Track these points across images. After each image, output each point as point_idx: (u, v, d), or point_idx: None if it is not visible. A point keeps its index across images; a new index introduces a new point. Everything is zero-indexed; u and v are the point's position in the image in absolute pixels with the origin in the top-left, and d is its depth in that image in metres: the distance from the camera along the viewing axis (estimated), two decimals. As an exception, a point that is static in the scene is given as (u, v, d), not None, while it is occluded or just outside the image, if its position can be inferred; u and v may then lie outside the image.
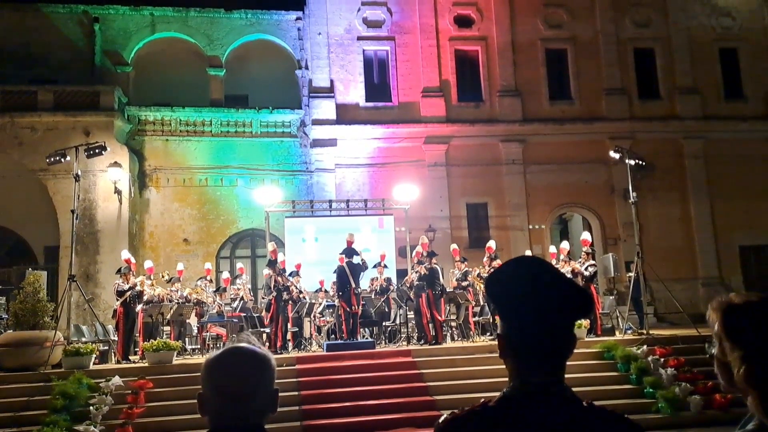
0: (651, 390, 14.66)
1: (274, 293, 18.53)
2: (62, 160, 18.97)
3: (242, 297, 20.08)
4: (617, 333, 19.03)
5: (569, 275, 18.75)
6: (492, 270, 2.07)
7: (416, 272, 19.05)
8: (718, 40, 30.54)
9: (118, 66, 27.66)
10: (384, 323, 20.36)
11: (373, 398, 14.62)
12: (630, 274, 21.41)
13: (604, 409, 2.00)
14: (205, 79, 28.18)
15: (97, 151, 19.17)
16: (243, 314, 19.23)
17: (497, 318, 2.17)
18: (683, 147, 29.15)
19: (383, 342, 19.62)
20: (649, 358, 15.76)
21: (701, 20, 30.48)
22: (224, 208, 26.82)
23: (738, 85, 30.35)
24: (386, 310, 20.61)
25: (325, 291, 21.01)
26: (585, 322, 18.02)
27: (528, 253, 21.97)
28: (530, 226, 27.67)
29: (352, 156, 27.37)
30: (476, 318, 19.45)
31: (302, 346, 19.37)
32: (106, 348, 18.14)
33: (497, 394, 2.01)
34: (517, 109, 28.66)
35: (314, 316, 20.44)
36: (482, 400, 2.00)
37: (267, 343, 18.43)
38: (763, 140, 29.38)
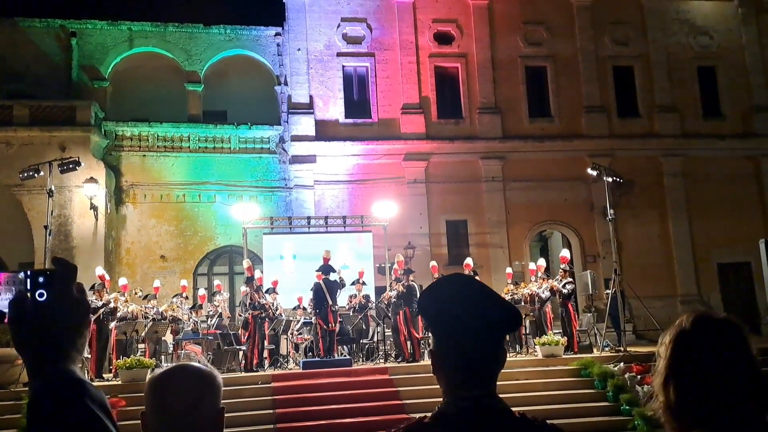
0: (627, 407, 14.70)
1: (251, 311, 18.39)
2: (35, 175, 18.83)
3: (220, 314, 19.92)
4: (595, 350, 19.02)
5: (547, 293, 18.90)
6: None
7: (394, 290, 19.01)
8: (697, 58, 30.75)
9: (95, 81, 27.48)
10: (362, 340, 20.27)
11: (349, 416, 14.61)
12: (608, 291, 21.42)
13: (537, 420, 2.01)
14: (183, 94, 28.03)
15: (71, 166, 19.03)
16: (219, 331, 19.06)
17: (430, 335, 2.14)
18: (662, 165, 29.25)
19: (361, 359, 19.50)
20: (626, 376, 15.78)
21: (680, 39, 30.68)
22: (202, 224, 26.63)
23: (716, 104, 30.55)
24: (364, 327, 20.53)
25: (303, 308, 20.87)
26: (562, 340, 18.02)
27: (508, 270, 21.94)
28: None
29: (332, 173, 27.26)
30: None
31: (279, 364, 19.23)
32: (79, 365, 17.84)
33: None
34: (496, 126, 28.68)
35: (292, 334, 20.32)
36: (417, 417, 2.03)
37: (243, 361, 18.33)
38: (741, 158, 29.57)
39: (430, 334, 19.43)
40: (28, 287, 1.63)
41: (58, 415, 1.51)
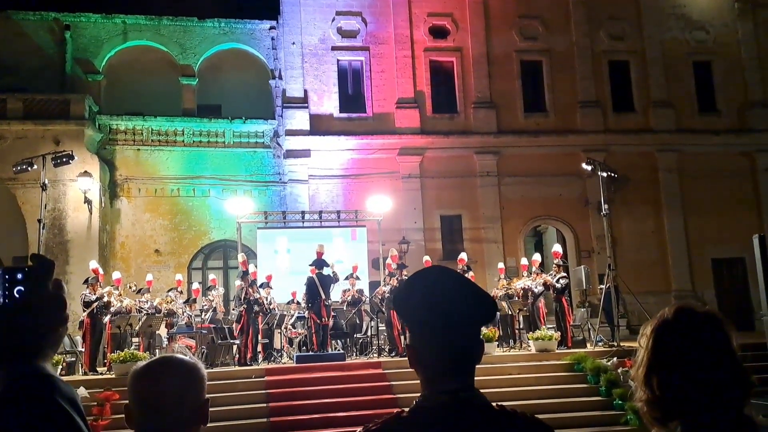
0: (620, 402, 14.72)
1: (244, 305, 18.38)
2: (29, 168, 18.78)
3: (215, 308, 19.90)
4: (588, 345, 19.02)
5: (541, 287, 18.90)
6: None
7: (388, 285, 19.01)
8: (692, 53, 30.68)
9: (89, 74, 27.39)
10: (355, 335, 20.27)
11: (342, 410, 14.61)
12: (602, 286, 21.43)
13: (517, 412, 2.00)
14: (177, 88, 27.96)
15: (64, 159, 18.99)
16: (213, 325, 19.04)
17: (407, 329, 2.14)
18: (657, 160, 29.24)
19: (354, 354, 19.51)
20: (619, 370, 15.77)
21: (675, 34, 30.63)
22: (196, 218, 26.59)
23: (711, 99, 30.49)
24: (358, 321, 20.52)
25: (297, 303, 20.84)
26: (556, 335, 18.05)
27: (500, 265, 21.92)
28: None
29: (326, 167, 27.22)
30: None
31: (272, 358, 19.22)
32: (73, 359, 17.91)
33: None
34: (491, 121, 28.63)
35: (285, 328, 20.31)
36: (396, 410, 2.02)
37: (237, 355, 18.33)
38: (735, 154, 29.55)
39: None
40: (5, 284, 1.61)
41: (26, 411, 1.50)
